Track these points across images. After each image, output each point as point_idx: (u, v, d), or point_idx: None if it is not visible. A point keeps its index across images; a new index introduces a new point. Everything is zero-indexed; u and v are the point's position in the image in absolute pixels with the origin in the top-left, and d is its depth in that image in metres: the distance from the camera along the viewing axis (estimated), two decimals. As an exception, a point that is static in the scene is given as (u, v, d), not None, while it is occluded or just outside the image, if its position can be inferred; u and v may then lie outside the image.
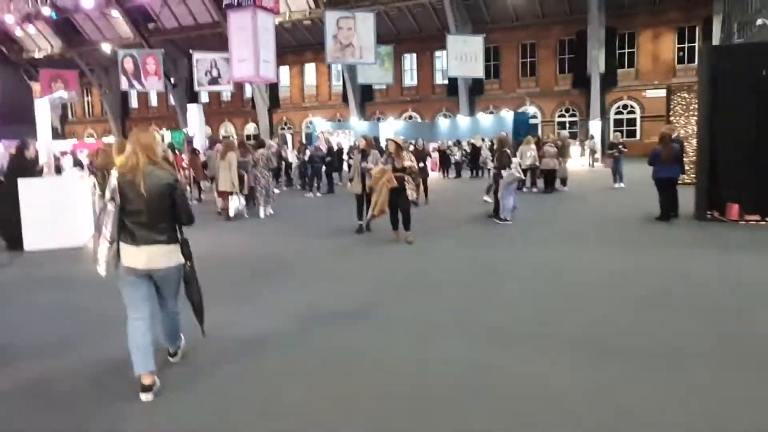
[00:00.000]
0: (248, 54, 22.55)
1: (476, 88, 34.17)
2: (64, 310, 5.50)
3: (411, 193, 8.19)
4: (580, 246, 7.77)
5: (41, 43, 42.86)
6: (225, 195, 11.94)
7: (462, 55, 29.11)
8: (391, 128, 26.44)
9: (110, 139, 22.64)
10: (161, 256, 3.45)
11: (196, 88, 31.73)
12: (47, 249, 8.62)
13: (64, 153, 17.47)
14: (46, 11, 24.04)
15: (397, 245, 8.11)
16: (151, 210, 3.39)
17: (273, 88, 39.03)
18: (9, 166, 9.03)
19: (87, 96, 46.16)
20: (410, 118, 36.10)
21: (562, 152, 14.43)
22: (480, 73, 29.65)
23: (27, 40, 43.16)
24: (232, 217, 11.75)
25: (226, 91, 37.02)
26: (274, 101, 39.33)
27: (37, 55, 43.13)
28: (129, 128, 43.35)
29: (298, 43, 37.39)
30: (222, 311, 4.93)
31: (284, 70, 38.51)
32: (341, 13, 26.29)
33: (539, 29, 32.95)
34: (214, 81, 31.46)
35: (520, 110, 29.84)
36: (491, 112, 33.07)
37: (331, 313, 5.07)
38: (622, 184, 14.80)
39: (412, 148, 12.63)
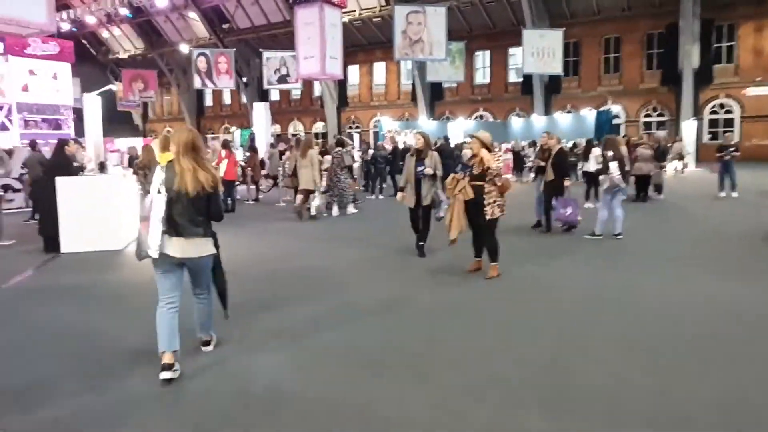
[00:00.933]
0: (314, 50, 21.77)
1: (553, 86, 32.03)
2: (66, 338, 4.60)
3: (492, 211, 5.94)
4: (698, 273, 6.17)
5: (125, 44, 44.40)
6: (305, 194, 11.36)
7: (539, 51, 27.16)
8: (460, 128, 24.97)
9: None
10: (196, 247, 3.77)
11: (266, 86, 31.54)
12: (84, 252, 7.96)
13: (113, 151, 17.23)
14: (123, 11, 24.15)
15: (475, 279, 6.12)
16: (190, 205, 3.69)
17: (342, 86, 38.49)
18: (47, 163, 8.45)
19: (166, 95, 47.41)
20: (481, 117, 34.40)
21: (660, 155, 12.60)
22: (558, 69, 27.55)
23: (113, 42, 44.86)
24: (313, 216, 11.51)
25: (295, 89, 36.68)
26: (343, 100, 38.74)
27: (122, 55, 44.72)
28: (204, 127, 44.24)
29: (368, 41, 36.56)
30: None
31: (353, 68, 37.85)
32: (411, 8, 25.07)
33: (624, 23, 30.40)
34: (283, 79, 31.15)
35: (602, 109, 27.48)
36: (569, 112, 30.91)
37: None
38: (734, 193, 12.75)
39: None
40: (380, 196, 14.90)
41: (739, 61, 28.44)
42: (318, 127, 40.58)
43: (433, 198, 7.14)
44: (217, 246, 4.00)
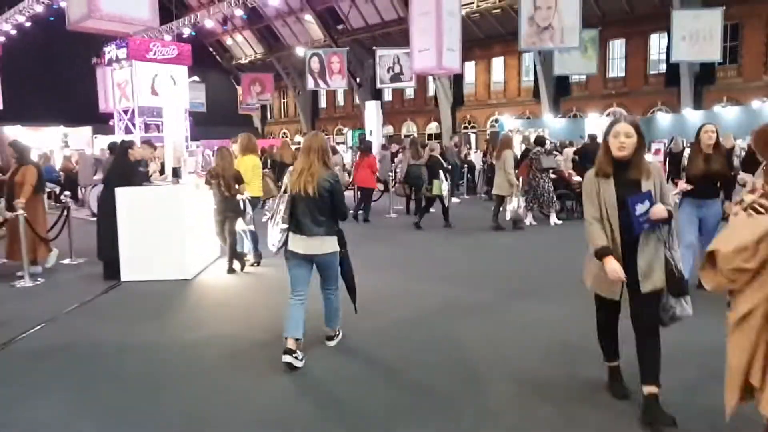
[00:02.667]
0: (430, 43, 19.50)
1: (704, 76, 27.20)
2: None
3: None
4: None
5: (246, 50, 45.16)
6: (499, 200, 10.23)
7: (692, 35, 22.93)
8: (596, 126, 21.46)
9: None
10: (320, 244, 4.02)
11: (378, 85, 29.86)
12: (146, 281, 6.33)
13: (192, 153, 15.81)
14: (239, 12, 23.59)
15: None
16: (315, 205, 3.96)
17: (457, 84, 35.98)
18: (109, 170, 6.95)
19: (283, 98, 47.73)
20: (606, 116, 30.23)
21: None
22: (716, 55, 23.08)
23: (235, 48, 45.85)
24: (517, 225, 10.08)
25: (408, 87, 34.73)
26: (458, 98, 36.20)
27: (243, 61, 45.57)
28: (318, 128, 43.79)
29: (486, 36, 33.69)
30: None
31: (470, 65, 35.17)
32: (539, -10, 22.01)
33: (800, -3, 24.95)
34: (396, 78, 29.31)
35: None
36: (723, 106, 26.05)
37: None
38: None
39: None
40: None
41: None
42: (432, 127, 38.38)
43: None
44: (344, 244, 4.20)
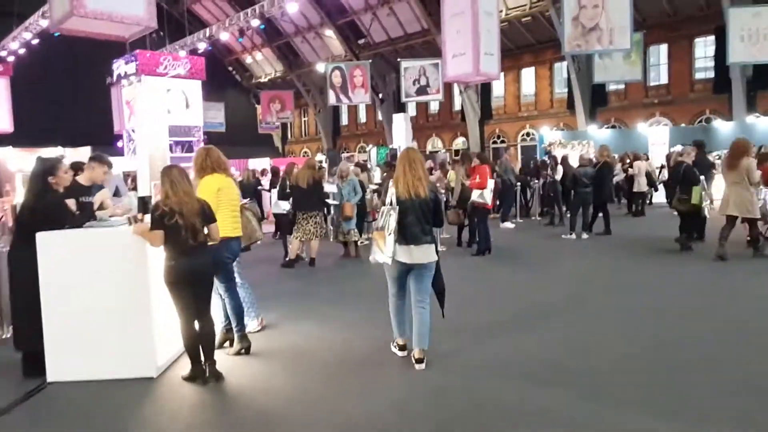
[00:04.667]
0: (466, 46, 16.91)
1: (760, 80, 24.21)
2: None
3: None
4: None
5: (266, 68, 43.27)
6: (731, 223, 7.61)
7: (751, 34, 20.17)
8: (658, 135, 18.69)
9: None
10: (425, 253, 4.02)
11: (404, 99, 27.48)
12: (87, 381, 3.78)
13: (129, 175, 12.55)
14: (255, 22, 21.38)
15: None
16: (423, 213, 4.00)
17: (485, 97, 33.40)
18: (22, 205, 4.30)
19: (304, 116, 45.65)
20: (650, 126, 27.32)
21: None
22: (779, 56, 20.23)
23: (255, 67, 44.00)
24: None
25: (434, 101, 32.26)
26: (486, 112, 33.55)
27: (263, 79, 43.65)
28: (340, 146, 41.49)
29: (515, 45, 31.18)
30: None
31: (498, 77, 32.54)
32: (584, -12, 19.39)
33: None
34: (422, 90, 26.95)
35: None
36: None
37: None
38: None
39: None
40: (584, 235, 9.61)
41: None
42: (458, 143, 35.79)
43: None
44: (437, 253, 4.19)
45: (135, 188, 10.04)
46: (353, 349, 4.61)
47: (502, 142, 33.40)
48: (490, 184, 8.39)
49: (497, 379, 3.90)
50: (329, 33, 36.75)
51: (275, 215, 9.78)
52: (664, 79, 28.02)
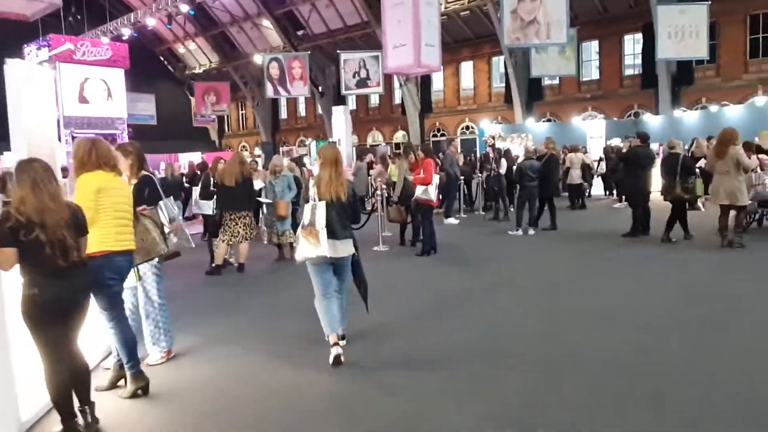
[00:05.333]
0: (407, 37, 16.19)
1: (682, 77, 25.01)
2: None
3: None
4: None
5: (201, 59, 41.06)
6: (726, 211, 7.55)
7: (678, 31, 20.63)
8: (595, 128, 18.71)
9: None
10: (347, 247, 4.17)
11: (343, 91, 26.55)
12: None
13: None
14: (184, 8, 19.80)
15: None
16: (343, 210, 4.13)
17: (425, 91, 33.01)
18: None
19: (241, 109, 43.74)
20: (584, 119, 27.78)
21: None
22: (703, 52, 20.88)
23: (189, 57, 41.67)
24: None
25: (374, 94, 31.49)
26: (426, 105, 33.16)
27: (198, 70, 41.42)
28: (279, 140, 40.04)
29: (453, 39, 30.80)
30: None
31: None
32: (522, -19, 19.10)
33: (779, -7, 22.99)
34: (362, 83, 26.09)
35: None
36: (703, 107, 23.92)
37: None
38: None
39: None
40: (531, 231, 9.13)
41: None
42: (398, 136, 35.22)
43: None
44: (357, 247, 4.32)
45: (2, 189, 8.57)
46: (286, 387, 3.77)
47: (442, 135, 33.11)
48: (435, 179, 7.73)
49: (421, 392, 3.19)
50: (266, 23, 35.19)
51: (204, 216, 8.72)
52: (595, 75, 28.49)
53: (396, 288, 6.39)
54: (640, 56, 26.29)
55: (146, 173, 4.07)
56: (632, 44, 27.14)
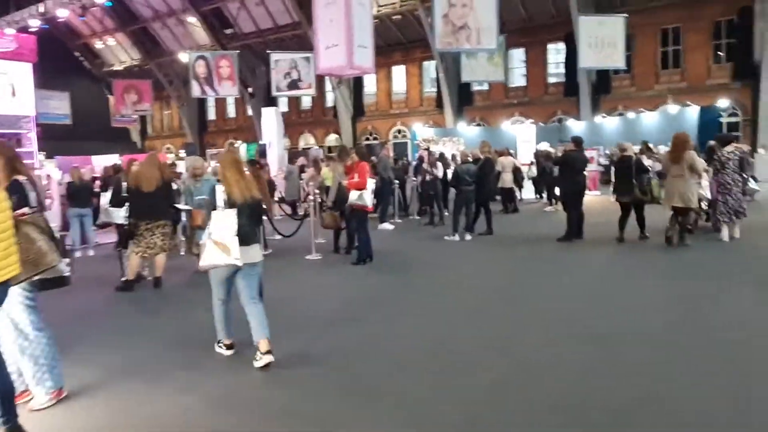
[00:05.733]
0: (339, 37, 15.69)
1: (601, 85, 26.17)
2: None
3: None
4: None
5: (121, 55, 38.61)
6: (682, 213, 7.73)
7: (597, 41, 21.40)
8: (525, 133, 18.98)
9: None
10: (257, 252, 4.07)
11: (274, 93, 25.56)
12: None
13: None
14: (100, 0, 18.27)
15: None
16: (254, 213, 4.07)
17: (357, 94, 32.64)
18: None
19: (166, 110, 41.50)
20: (513, 123, 28.46)
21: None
22: (620, 62, 21.81)
23: (107, 53, 39.05)
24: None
25: (305, 95, 30.75)
26: (359, 109, 32.81)
27: (118, 67, 38.89)
28: (207, 142, 38.29)
29: (386, 43, 30.62)
30: None
31: (369, 74, 31.83)
32: (453, -13, 19.12)
33: (686, 9, 24.54)
34: (293, 84, 25.23)
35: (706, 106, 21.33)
36: (620, 114, 25.13)
37: None
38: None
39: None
40: (467, 236, 8.89)
41: (829, 49, 22.53)
42: (331, 139, 34.63)
43: None
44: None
45: None
46: (198, 430, 3.18)
47: (375, 138, 32.84)
48: (371, 183, 7.29)
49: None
50: (192, 20, 33.54)
51: (116, 225, 7.79)
52: (522, 82, 29.26)
53: (329, 299, 5.88)
54: (563, 65, 27.27)
55: (16, 178, 3.31)
56: (555, 53, 28.08)
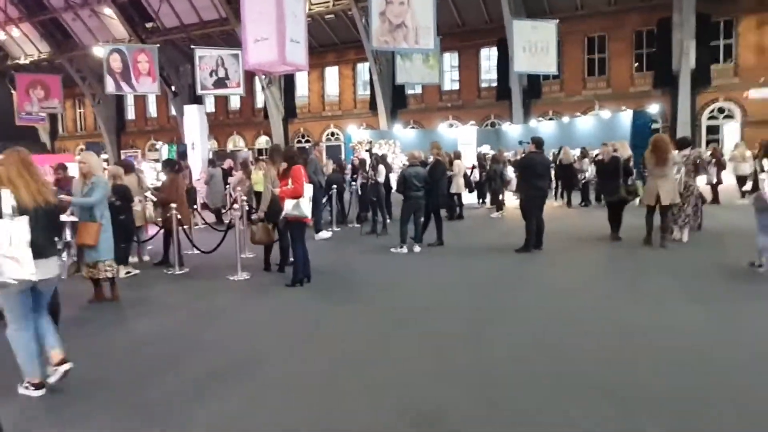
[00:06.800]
0: (269, 30, 14.34)
1: (532, 90, 26.19)
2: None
3: None
4: None
5: (27, 48, 34.69)
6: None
7: (531, 46, 21.17)
8: (467, 136, 18.28)
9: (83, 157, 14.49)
10: (55, 266, 3.56)
11: (199, 91, 23.48)
12: None
13: None
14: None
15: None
16: (50, 220, 3.52)
17: (288, 95, 30.99)
18: None
19: (79, 108, 37.81)
20: (450, 127, 28.00)
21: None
22: (553, 67, 21.63)
23: (11, 45, 34.97)
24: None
25: (234, 95, 28.79)
26: (290, 110, 31.19)
27: (23, 61, 34.91)
28: (125, 143, 35.25)
29: (318, 44, 29.26)
30: None
31: (301, 75, 30.40)
32: (388, -16, 18.14)
33: (610, 19, 25.06)
34: (220, 83, 23.30)
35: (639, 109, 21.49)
36: (550, 119, 25.23)
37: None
38: None
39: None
40: (416, 248, 7.79)
41: (738, 60, 23.62)
42: (261, 141, 32.76)
43: None
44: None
45: None
46: None
47: (307, 141, 31.34)
48: (309, 189, 6.02)
49: None
50: (108, 12, 30.55)
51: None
52: (455, 85, 28.83)
53: (259, 336, 4.57)
54: (495, 69, 27.09)
55: None
56: (488, 57, 27.86)
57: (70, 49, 33.16)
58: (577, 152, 14.27)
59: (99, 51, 28.46)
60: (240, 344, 4.39)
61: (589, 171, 12.85)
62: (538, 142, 7.59)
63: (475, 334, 4.49)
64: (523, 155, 8.70)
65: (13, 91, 32.27)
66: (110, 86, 23.21)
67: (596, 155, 11.81)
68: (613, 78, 25.57)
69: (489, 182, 11.88)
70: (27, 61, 34.71)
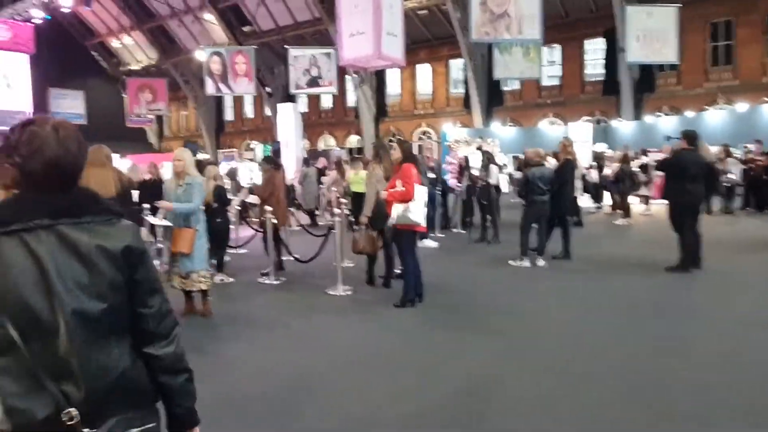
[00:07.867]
0: (366, 24, 13.60)
1: (644, 83, 23.63)
2: None
3: None
4: None
5: (138, 54, 36.99)
6: None
7: (646, 34, 19.08)
8: (579, 132, 16.66)
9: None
10: None
11: (293, 90, 23.60)
12: None
13: None
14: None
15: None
16: None
17: (380, 94, 30.46)
18: None
19: (183, 110, 39.81)
20: (551, 124, 26.07)
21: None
22: (672, 56, 19.41)
23: (124, 53, 37.49)
24: None
25: (326, 94, 28.69)
26: (382, 109, 30.64)
27: (134, 67, 37.28)
28: (224, 143, 36.52)
29: (411, 41, 28.28)
30: None
31: (393, 73, 29.77)
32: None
33: (738, 2, 21.95)
34: (313, 82, 23.26)
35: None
36: (666, 114, 22.63)
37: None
38: None
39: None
40: (540, 261, 6.63)
41: None
42: (352, 141, 32.53)
43: None
44: None
45: None
46: None
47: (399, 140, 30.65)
48: (421, 192, 5.11)
49: None
50: (209, 17, 31.73)
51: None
52: (554, 81, 26.82)
53: (363, 376, 3.71)
54: (603, 62, 24.84)
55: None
56: (593, 49, 25.65)
57: (174, 54, 34.86)
58: (714, 150, 12.22)
59: (201, 55, 29.60)
60: (340, 381, 3.54)
61: (736, 173, 10.85)
62: (690, 137, 6.14)
63: (648, 385, 3.32)
64: (673, 152, 7.19)
65: (124, 95, 34.58)
66: (210, 87, 23.94)
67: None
68: (742, 67, 22.43)
69: (617, 184, 10.36)
70: (138, 68, 36.99)
